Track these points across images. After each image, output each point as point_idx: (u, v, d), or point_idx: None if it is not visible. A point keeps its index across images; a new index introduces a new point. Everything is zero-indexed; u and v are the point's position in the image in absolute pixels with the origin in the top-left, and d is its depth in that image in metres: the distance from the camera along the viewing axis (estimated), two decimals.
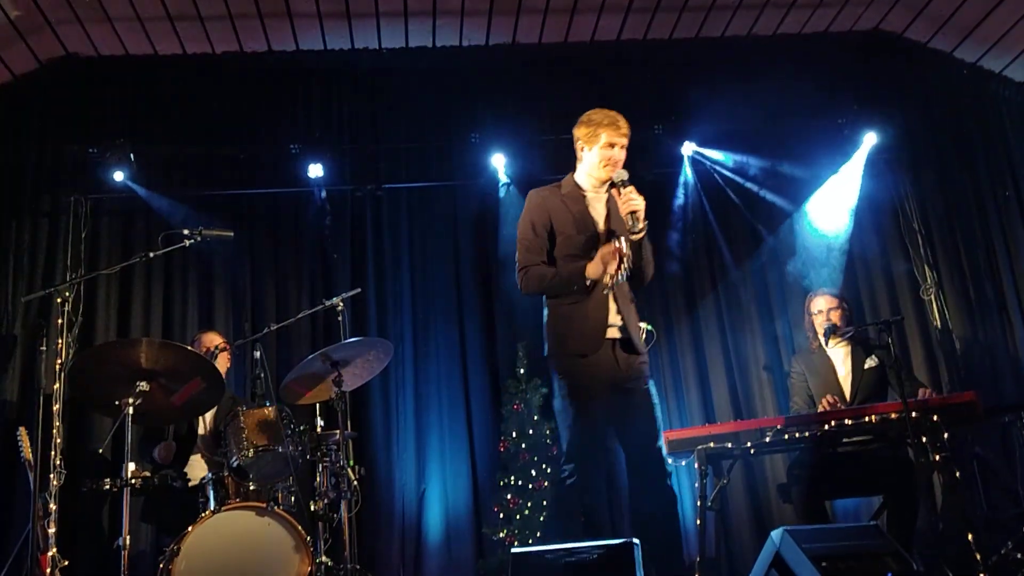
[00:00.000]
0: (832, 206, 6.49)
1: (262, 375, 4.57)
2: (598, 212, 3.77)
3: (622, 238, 3.52)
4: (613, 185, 3.68)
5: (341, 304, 4.82)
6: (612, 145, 3.73)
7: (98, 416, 5.65)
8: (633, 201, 3.55)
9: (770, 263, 6.49)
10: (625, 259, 3.50)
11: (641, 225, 3.55)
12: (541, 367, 5.81)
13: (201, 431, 5.10)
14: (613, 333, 3.66)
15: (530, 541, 5.34)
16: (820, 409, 4.67)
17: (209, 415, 5.07)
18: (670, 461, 4.74)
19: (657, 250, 6.41)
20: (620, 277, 3.56)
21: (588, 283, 3.56)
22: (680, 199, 6.57)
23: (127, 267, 5.72)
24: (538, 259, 3.70)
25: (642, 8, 6.41)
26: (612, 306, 3.66)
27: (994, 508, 5.59)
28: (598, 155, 3.74)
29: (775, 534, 3.64)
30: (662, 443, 3.73)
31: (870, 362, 4.96)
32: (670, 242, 6.56)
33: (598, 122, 3.74)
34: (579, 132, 3.81)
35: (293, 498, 4.53)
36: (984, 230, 6.63)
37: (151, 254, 4.49)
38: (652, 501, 3.63)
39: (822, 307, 5.04)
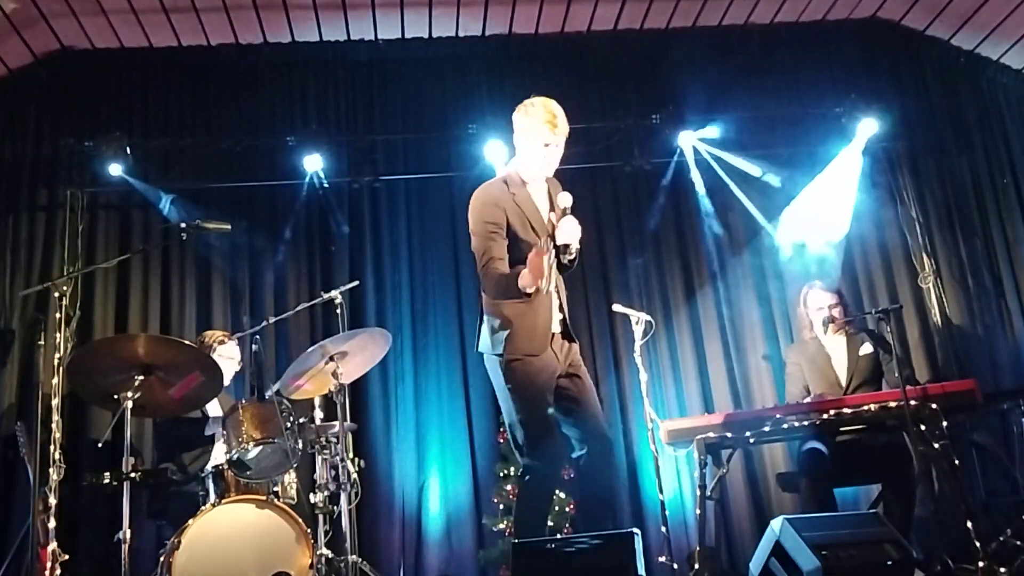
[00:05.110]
0: (830, 194, 6.48)
1: (260, 368, 4.57)
2: (541, 208, 3.67)
3: (547, 249, 3.35)
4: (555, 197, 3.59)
5: (339, 296, 4.81)
6: (547, 145, 3.56)
7: (97, 410, 5.64)
8: (570, 234, 3.46)
9: (768, 252, 6.49)
10: (549, 270, 3.35)
11: (573, 256, 3.55)
12: None
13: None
14: (555, 327, 3.60)
15: None
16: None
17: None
18: (670, 451, 4.79)
19: (656, 240, 6.53)
20: (545, 287, 3.40)
21: (527, 292, 3.41)
22: (678, 188, 6.56)
23: (124, 261, 5.71)
24: (499, 256, 3.52)
25: None
26: (556, 304, 3.61)
27: (993, 495, 5.61)
28: (533, 153, 3.61)
29: (775, 523, 3.66)
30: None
31: (865, 349, 4.96)
32: (668, 231, 6.57)
33: (536, 117, 3.55)
34: (517, 120, 3.64)
35: (293, 490, 4.54)
36: (982, 217, 6.64)
37: (148, 247, 4.47)
38: (606, 472, 3.65)
39: (820, 303, 5.04)
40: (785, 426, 4.47)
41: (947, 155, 6.77)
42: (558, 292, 3.63)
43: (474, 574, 5.76)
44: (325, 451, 4.48)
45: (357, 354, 4.47)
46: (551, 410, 3.55)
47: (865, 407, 4.42)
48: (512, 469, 5.58)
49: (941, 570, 4.08)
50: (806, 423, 4.46)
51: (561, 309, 3.65)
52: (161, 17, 6.16)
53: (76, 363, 4.10)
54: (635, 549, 3.14)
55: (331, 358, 4.32)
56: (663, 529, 4.64)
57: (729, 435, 4.51)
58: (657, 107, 6.51)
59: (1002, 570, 3.92)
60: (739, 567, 5.72)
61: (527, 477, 3.54)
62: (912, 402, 4.26)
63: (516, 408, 3.53)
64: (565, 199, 3.50)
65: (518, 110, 3.64)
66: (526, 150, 3.64)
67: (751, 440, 4.57)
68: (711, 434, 4.51)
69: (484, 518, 5.74)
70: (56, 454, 4.21)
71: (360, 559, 4.38)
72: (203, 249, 6.13)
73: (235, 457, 4.28)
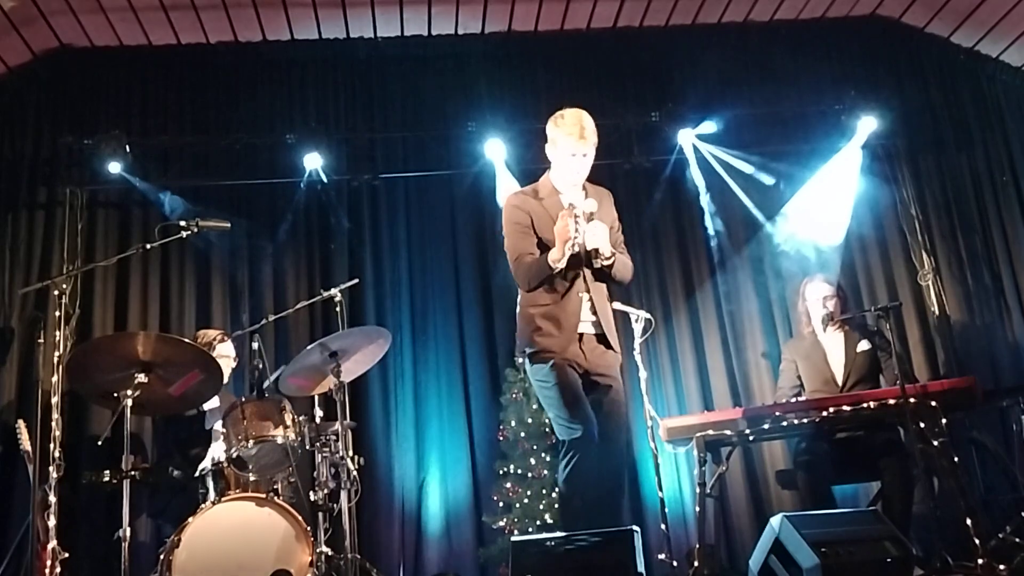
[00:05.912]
0: (830, 192, 6.47)
1: (260, 366, 4.57)
2: None
3: (574, 211, 3.52)
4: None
5: (339, 295, 4.81)
6: (574, 155, 3.70)
7: (97, 408, 5.64)
8: (594, 239, 3.56)
9: (768, 249, 6.48)
10: (576, 226, 3.49)
11: (606, 262, 3.61)
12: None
13: None
14: (585, 328, 3.68)
15: (530, 529, 5.35)
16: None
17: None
18: (669, 448, 4.78)
19: (655, 237, 6.53)
20: (572, 248, 3.54)
21: (557, 269, 3.55)
22: (677, 186, 6.55)
23: (124, 259, 5.70)
24: (528, 251, 3.68)
25: None
26: (587, 306, 3.69)
27: (992, 492, 5.61)
28: (562, 162, 3.76)
29: (774, 520, 3.66)
30: (628, 434, 3.84)
31: (862, 346, 4.96)
32: (668, 229, 6.56)
33: (564, 129, 3.70)
34: (549, 131, 3.78)
35: (293, 488, 4.54)
36: (982, 215, 6.64)
37: (148, 246, 4.48)
38: (614, 477, 3.69)
39: (819, 295, 5.03)
40: (785, 423, 4.47)
41: (946, 152, 6.77)
42: (591, 295, 3.69)
43: (474, 572, 5.76)
44: (325, 449, 4.47)
45: (357, 352, 4.47)
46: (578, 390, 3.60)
47: (864, 404, 4.42)
48: (512, 467, 5.58)
49: (940, 567, 4.07)
50: (806, 420, 4.46)
51: (595, 312, 3.69)
52: (160, 15, 6.15)
53: (76, 361, 4.10)
54: (634, 546, 3.14)
55: (331, 356, 4.33)
56: (662, 527, 4.60)
57: (728, 432, 4.51)
58: (656, 104, 6.51)
59: (1001, 567, 3.92)
60: (739, 564, 5.72)
61: (571, 448, 3.52)
62: (912, 399, 4.26)
63: (546, 396, 3.64)
64: (588, 205, 3.59)
65: (550, 121, 3.78)
66: (556, 159, 3.78)
67: (750, 437, 4.57)
68: (710, 431, 4.51)
69: (484, 516, 5.73)
70: (56, 452, 4.21)
71: (360, 557, 4.37)
72: (202, 247, 6.12)
73: (235, 455, 4.28)
